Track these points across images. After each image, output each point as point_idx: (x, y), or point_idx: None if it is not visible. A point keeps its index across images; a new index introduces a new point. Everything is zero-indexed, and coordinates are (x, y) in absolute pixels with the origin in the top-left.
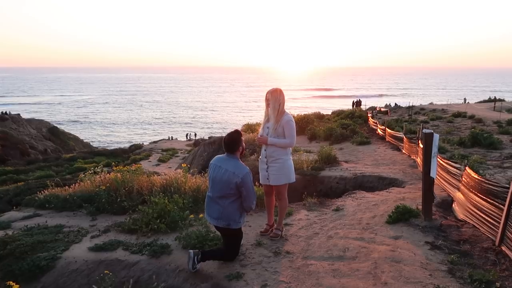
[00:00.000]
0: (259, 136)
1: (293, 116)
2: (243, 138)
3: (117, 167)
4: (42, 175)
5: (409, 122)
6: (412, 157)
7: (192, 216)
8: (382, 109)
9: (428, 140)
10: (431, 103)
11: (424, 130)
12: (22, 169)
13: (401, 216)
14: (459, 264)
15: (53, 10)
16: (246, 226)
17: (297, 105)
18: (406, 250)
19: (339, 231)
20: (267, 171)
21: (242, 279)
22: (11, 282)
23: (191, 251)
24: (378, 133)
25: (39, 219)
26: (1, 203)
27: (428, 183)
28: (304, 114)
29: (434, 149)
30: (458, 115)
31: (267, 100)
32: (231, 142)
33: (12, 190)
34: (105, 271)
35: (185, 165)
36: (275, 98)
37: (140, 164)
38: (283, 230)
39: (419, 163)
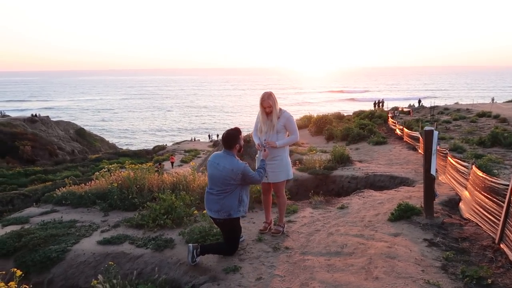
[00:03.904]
0: (258, 143)
1: (312, 117)
2: (241, 136)
3: (129, 165)
4: (69, 175)
5: (431, 122)
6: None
7: (196, 212)
8: (404, 109)
9: (428, 137)
10: (456, 103)
11: (425, 128)
12: (50, 169)
13: (403, 214)
14: (454, 260)
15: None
16: (250, 222)
17: (319, 108)
18: (403, 246)
19: (340, 228)
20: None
21: (238, 272)
22: (15, 269)
23: (191, 245)
24: (397, 133)
25: (55, 214)
26: (29, 202)
27: (428, 180)
28: (323, 115)
29: (434, 146)
30: (483, 115)
31: (265, 106)
32: (229, 138)
33: (41, 190)
34: (110, 262)
35: (193, 163)
36: (273, 101)
37: (163, 164)
38: (285, 226)
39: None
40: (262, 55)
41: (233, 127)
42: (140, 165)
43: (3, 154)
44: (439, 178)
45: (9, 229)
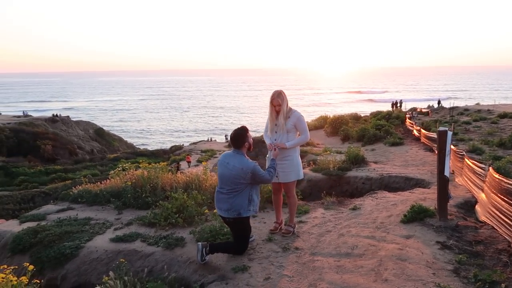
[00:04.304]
0: (270, 143)
1: (328, 117)
2: (249, 135)
3: (143, 164)
4: (88, 174)
5: (450, 123)
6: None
7: (207, 211)
8: (423, 110)
9: (441, 138)
10: (477, 104)
11: (439, 128)
12: (70, 168)
13: (416, 216)
14: (467, 264)
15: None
16: (261, 222)
17: (336, 109)
18: (415, 249)
19: (351, 229)
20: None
21: (247, 272)
22: (26, 264)
23: (200, 243)
24: (414, 134)
25: (71, 212)
26: (49, 200)
27: (442, 182)
28: (339, 115)
29: (448, 147)
30: (504, 115)
31: (275, 104)
32: (236, 138)
33: (60, 188)
34: (121, 259)
35: (205, 163)
36: (282, 100)
37: (180, 164)
38: (295, 227)
39: (450, 164)
40: (279, 56)
41: (240, 126)
42: (154, 164)
43: (25, 153)
44: (456, 180)
45: (26, 225)
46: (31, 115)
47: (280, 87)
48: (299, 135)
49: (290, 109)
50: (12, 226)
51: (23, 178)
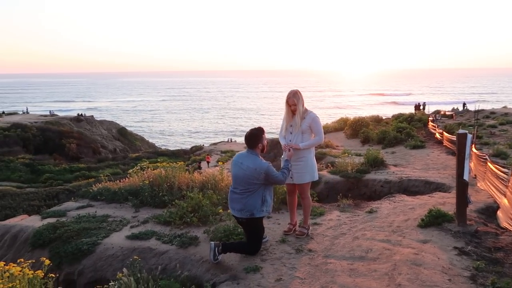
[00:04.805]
0: (284, 144)
1: (348, 119)
2: (265, 137)
3: (161, 164)
4: (110, 173)
5: (474, 126)
6: None
7: (221, 211)
8: (447, 113)
9: (461, 140)
10: (504, 107)
11: (458, 130)
12: (93, 167)
13: (433, 220)
14: (485, 271)
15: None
16: (275, 223)
17: (358, 112)
18: (431, 254)
19: (366, 233)
20: (290, 170)
21: (258, 272)
22: (43, 258)
23: (212, 242)
24: (436, 137)
25: (90, 209)
26: (73, 197)
27: (461, 186)
28: (359, 117)
29: (468, 150)
30: None
31: (290, 104)
32: (251, 137)
33: (84, 186)
34: (135, 257)
35: (221, 163)
36: (298, 99)
37: (201, 163)
38: (310, 228)
39: (472, 168)
40: (300, 57)
41: (257, 126)
42: (171, 163)
43: (51, 151)
44: (478, 185)
45: (47, 221)
46: (57, 115)
47: (301, 88)
48: (314, 136)
49: (306, 110)
50: (34, 222)
51: (49, 175)
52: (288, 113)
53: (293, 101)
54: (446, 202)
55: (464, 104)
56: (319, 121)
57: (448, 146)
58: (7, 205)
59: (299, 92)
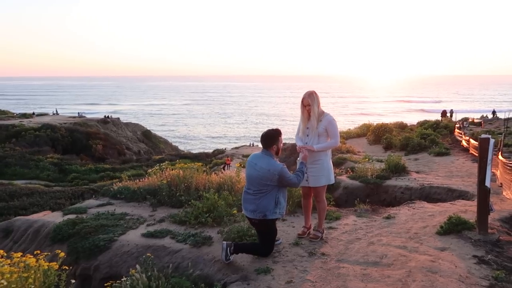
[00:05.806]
0: (300, 145)
1: (371, 125)
2: (281, 139)
3: (180, 165)
4: (134, 174)
5: (504, 134)
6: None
7: (236, 212)
8: (475, 120)
9: (483, 145)
10: None
11: (480, 135)
12: (118, 168)
13: (453, 228)
14: (505, 281)
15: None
16: (290, 226)
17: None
18: (448, 262)
19: (382, 238)
20: (306, 173)
21: (269, 274)
22: (58, 251)
23: (224, 242)
24: (462, 145)
25: (110, 207)
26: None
27: (483, 192)
28: (382, 123)
29: (490, 155)
30: None
31: (305, 104)
32: (267, 137)
33: (108, 186)
34: (147, 254)
35: (238, 164)
36: (313, 100)
37: (224, 165)
38: (324, 232)
39: (499, 176)
40: (324, 62)
41: (274, 127)
42: (189, 164)
43: (78, 151)
44: (503, 193)
45: (68, 217)
46: (85, 116)
47: (324, 94)
48: (329, 139)
49: (323, 112)
50: (56, 217)
51: (75, 175)
52: (303, 113)
53: (308, 101)
54: (468, 210)
55: (494, 112)
56: (335, 124)
57: (474, 153)
58: (35, 202)
59: (315, 92)
